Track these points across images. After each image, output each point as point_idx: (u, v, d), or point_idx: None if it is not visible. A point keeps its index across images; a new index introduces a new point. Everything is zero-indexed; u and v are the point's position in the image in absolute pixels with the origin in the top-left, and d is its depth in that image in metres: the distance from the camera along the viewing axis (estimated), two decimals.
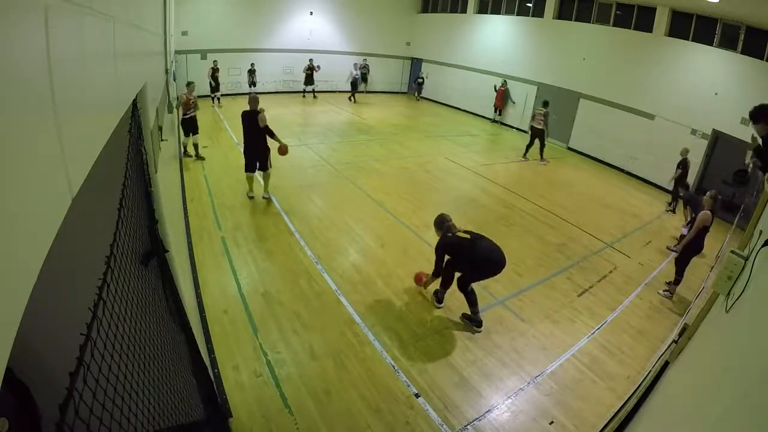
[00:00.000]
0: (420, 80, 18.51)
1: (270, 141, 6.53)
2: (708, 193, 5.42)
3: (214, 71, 13.29)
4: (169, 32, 6.45)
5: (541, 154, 10.80)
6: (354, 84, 16.48)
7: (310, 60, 15.84)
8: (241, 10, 14.83)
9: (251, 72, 14.84)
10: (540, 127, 10.35)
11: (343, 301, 4.57)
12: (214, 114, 12.56)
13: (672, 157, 10.05)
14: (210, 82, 13.38)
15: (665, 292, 5.49)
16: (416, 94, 18.70)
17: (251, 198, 6.86)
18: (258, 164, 6.69)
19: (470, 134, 13.49)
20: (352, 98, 16.51)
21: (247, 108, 6.45)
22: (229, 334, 3.92)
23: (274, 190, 7.09)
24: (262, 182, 6.99)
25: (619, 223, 7.68)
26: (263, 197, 6.90)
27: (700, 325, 2.52)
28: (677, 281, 5.43)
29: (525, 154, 10.87)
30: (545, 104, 10.58)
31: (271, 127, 6.48)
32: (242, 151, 6.71)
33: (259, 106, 6.46)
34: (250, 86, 14.89)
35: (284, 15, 15.92)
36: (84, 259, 1.30)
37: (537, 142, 10.64)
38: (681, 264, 5.41)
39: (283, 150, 6.59)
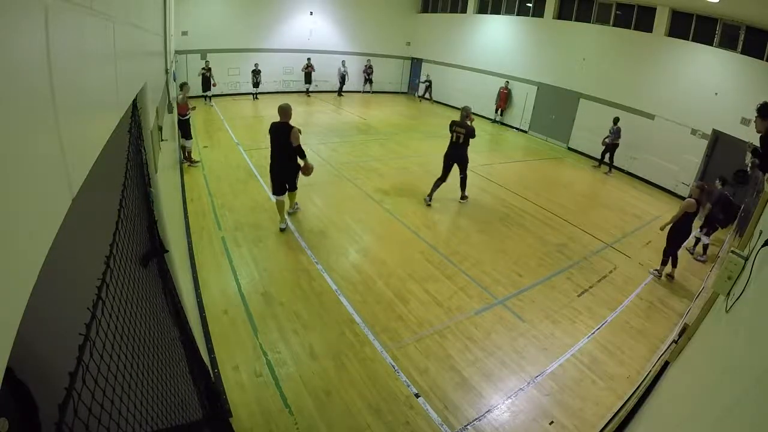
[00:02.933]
0: (427, 82, 17.92)
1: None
2: (694, 183, 5.65)
3: (207, 71, 13.23)
4: (169, 32, 6.43)
5: (611, 167, 10.98)
6: (341, 80, 17.19)
7: (308, 59, 16.17)
8: (241, 10, 14.83)
9: (255, 72, 14.77)
10: (617, 142, 10.61)
11: (343, 301, 4.57)
12: (213, 114, 12.56)
13: (672, 157, 10.08)
14: (203, 82, 13.21)
15: (654, 271, 5.93)
16: (425, 95, 18.15)
17: (283, 230, 5.89)
18: (287, 185, 5.82)
19: None
20: (340, 94, 17.40)
21: (277, 119, 5.45)
22: (229, 334, 3.93)
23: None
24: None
25: (619, 223, 7.68)
26: (287, 212, 6.21)
27: (700, 325, 2.52)
28: (664, 262, 5.84)
29: (599, 165, 11.27)
30: (617, 120, 10.66)
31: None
32: (269, 169, 5.72)
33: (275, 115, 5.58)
34: (254, 86, 14.90)
35: (284, 15, 15.92)
36: (84, 259, 1.30)
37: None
38: (670, 250, 5.77)
39: (307, 169, 5.69)
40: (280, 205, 5.86)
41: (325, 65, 16.96)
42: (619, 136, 10.52)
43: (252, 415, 3.14)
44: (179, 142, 8.32)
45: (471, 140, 7.08)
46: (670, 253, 5.78)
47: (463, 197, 7.68)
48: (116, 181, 1.55)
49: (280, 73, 16.41)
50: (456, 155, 7.20)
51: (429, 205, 7.32)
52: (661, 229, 5.77)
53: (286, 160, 5.56)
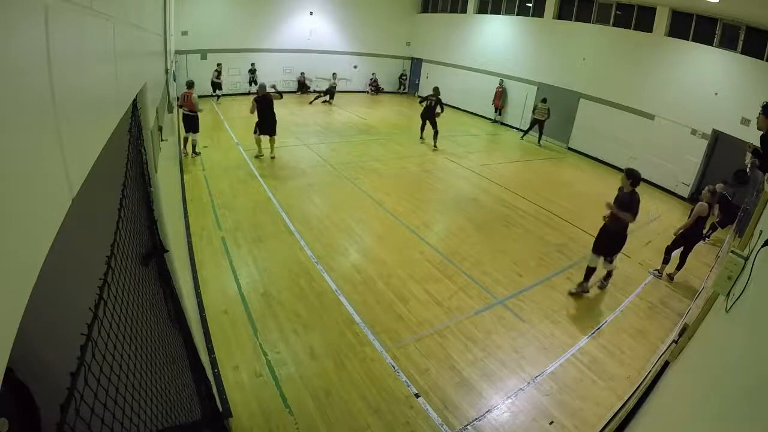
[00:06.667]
0: (372, 76, 18.54)
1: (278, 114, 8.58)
2: (707, 188, 5.67)
3: (219, 73, 14.04)
4: (169, 32, 6.43)
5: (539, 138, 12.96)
6: (330, 89, 15.96)
7: (302, 73, 16.66)
8: (241, 10, 14.84)
9: (252, 71, 15.10)
10: (544, 118, 12.51)
11: (343, 301, 4.57)
12: (214, 113, 12.57)
13: (672, 157, 10.07)
14: (213, 83, 13.91)
15: (655, 271, 5.94)
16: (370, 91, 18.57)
17: (259, 157, 8.80)
18: (268, 131, 8.57)
19: (470, 134, 13.48)
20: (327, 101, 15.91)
21: (258, 96, 8.39)
22: (229, 334, 3.92)
23: (274, 191, 7.23)
24: (269, 146, 8.86)
25: None
26: (271, 157, 8.81)
27: (700, 325, 2.52)
28: (666, 260, 5.86)
29: (524, 135, 13.34)
30: (545, 100, 12.48)
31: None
32: (256, 122, 8.57)
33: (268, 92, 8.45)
34: (250, 84, 15.21)
35: (284, 15, 15.92)
36: (84, 259, 1.30)
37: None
38: (680, 250, 5.77)
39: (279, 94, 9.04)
40: (258, 141, 8.73)
41: (325, 65, 16.95)
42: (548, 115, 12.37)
43: (252, 415, 3.14)
44: (181, 137, 8.44)
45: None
46: (672, 252, 5.77)
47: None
48: (116, 181, 1.55)
49: (280, 73, 16.40)
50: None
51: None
52: (675, 233, 5.80)
53: (269, 117, 8.51)
